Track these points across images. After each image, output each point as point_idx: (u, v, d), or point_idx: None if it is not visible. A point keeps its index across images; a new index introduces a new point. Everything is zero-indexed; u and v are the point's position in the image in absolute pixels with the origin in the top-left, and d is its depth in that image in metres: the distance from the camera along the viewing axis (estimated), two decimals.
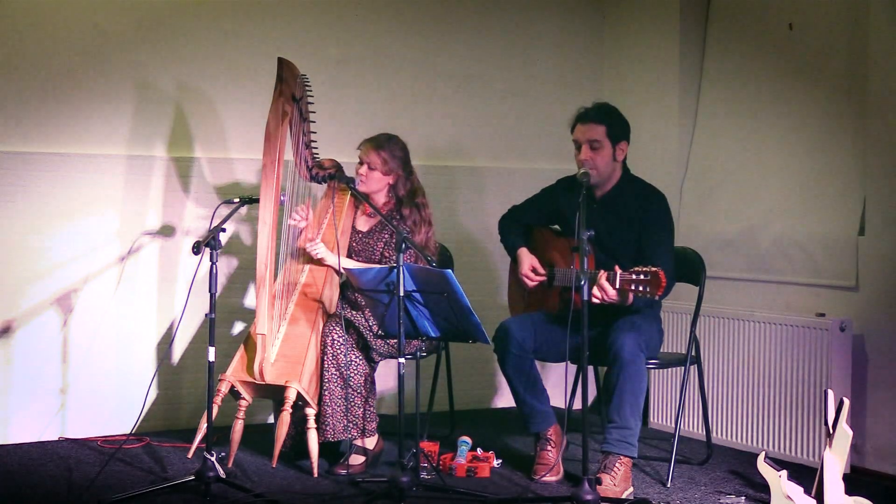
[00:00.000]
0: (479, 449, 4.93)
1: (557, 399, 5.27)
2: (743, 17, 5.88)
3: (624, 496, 4.45)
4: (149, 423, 5.43)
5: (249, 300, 5.74)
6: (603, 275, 4.36)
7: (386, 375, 5.53)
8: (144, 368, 5.53)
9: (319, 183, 5.03)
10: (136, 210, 5.53)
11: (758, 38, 5.76)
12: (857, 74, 5.19)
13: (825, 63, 5.38)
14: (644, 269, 4.25)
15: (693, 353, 4.97)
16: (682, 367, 4.94)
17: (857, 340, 5.03)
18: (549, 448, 4.75)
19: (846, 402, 4.13)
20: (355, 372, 4.76)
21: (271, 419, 5.32)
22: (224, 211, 4.78)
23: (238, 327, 5.74)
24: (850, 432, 4.10)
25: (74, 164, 5.41)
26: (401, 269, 4.28)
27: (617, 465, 4.49)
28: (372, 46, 6.04)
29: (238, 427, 4.73)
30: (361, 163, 5.01)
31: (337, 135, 5.52)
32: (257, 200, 4.72)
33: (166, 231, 5.60)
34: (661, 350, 4.95)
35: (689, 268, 5.03)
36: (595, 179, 4.72)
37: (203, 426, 4.58)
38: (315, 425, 4.68)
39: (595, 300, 4.35)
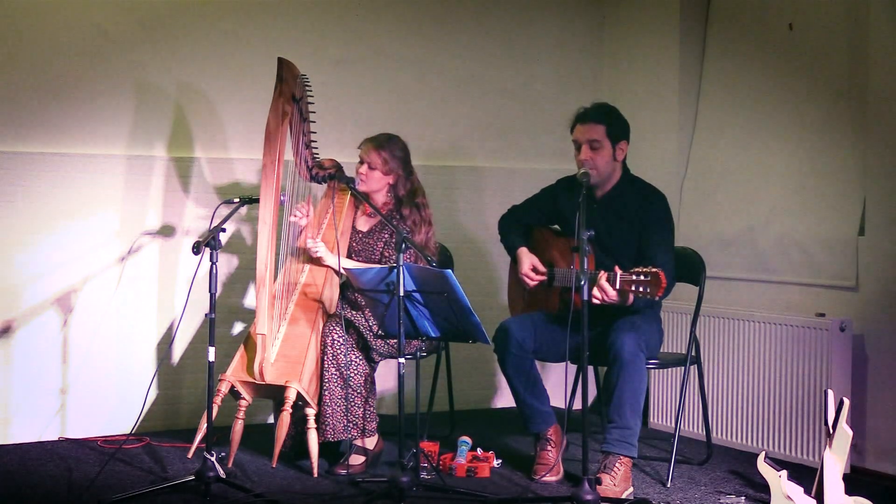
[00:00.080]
0: (479, 449, 4.93)
1: (557, 399, 5.27)
2: (743, 17, 5.88)
3: (624, 496, 4.45)
4: (149, 423, 5.42)
5: (249, 300, 5.74)
6: (603, 275, 4.36)
7: (386, 375, 5.54)
8: (144, 368, 5.53)
9: (319, 183, 5.03)
10: (136, 210, 5.53)
11: (758, 38, 5.76)
12: (857, 74, 5.19)
13: (825, 63, 5.38)
14: (644, 269, 4.25)
15: (693, 353, 4.97)
16: (682, 367, 4.94)
17: (857, 340, 5.03)
18: (549, 448, 4.75)
19: (846, 402, 4.13)
20: (355, 372, 4.76)
21: (271, 419, 5.32)
22: (224, 211, 4.78)
23: (238, 327, 5.74)
24: (850, 432, 4.10)
25: (74, 164, 5.41)
26: (401, 269, 4.28)
27: (617, 465, 4.49)
28: (372, 46, 6.04)
29: (238, 427, 4.73)
30: (362, 162, 5.02)
31: (337, 135, 5.53)
32: (257, 200, 4.72)
33: (166, 231, 5.60)
34: (661, 350, 4.95)
35: (689, 268, 5.03)
36: (595, 179, 4.72)
37: (203, 426, 4.58)
38: (315, 425, 4.68)
39: (595, 301, 4.35)
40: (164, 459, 4.94)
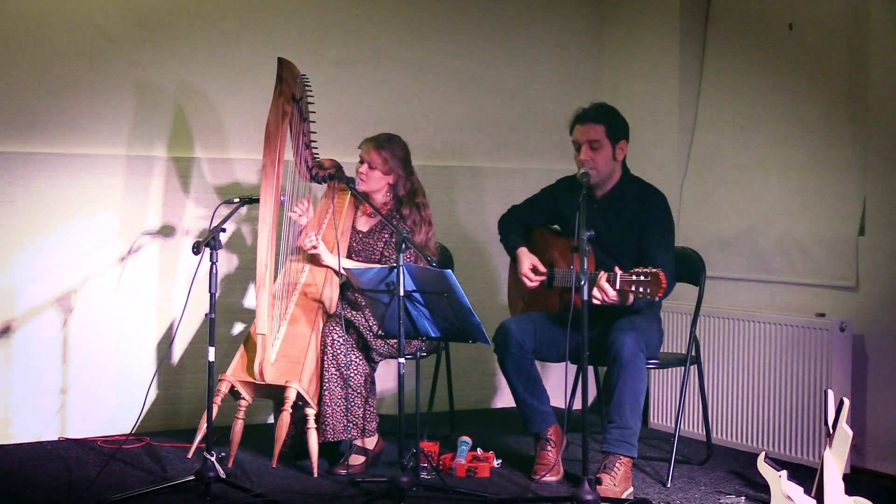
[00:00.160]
0: (479, 449, 4.93)
1: (557, 399, 5.27)
2: (743, 17, 5.88)
3: (624, 496, 4.45)
4: (149, 423, 5.42)
5: (249, 300, 5.74)
6: (603, 276, 4.36)
7: (386, 375, 5.54)
8: (144, 368, 5.53)
9: (319, 183, 5.03)
10: (136, 210, 5.53)
11: (758, 38, 5.76)
12: (857, 74, 5.19)
13: (825, 63, 5.38)
14: (644, 270, 4.26)
15: (693, 353, 4.97)
16: (682, 367, 4.94)
17: (857, 340, 5.03)
18: (549, 448, 4.75)
19: (846, 402, 4.13)
20: (355, 372, 4.76)
21: (271, 419, 5.32)
22: (224, 211, 4.78)
23: (238, 327, 5.74)
24: (850, 432, 4.10)
25: (74, 164, 5.41)
26: (401, 269, 4.28)
27: (617, 465, 4.49)
28: (372, 46, 6.04)
29: (238, 427, 4.73)
30: (362, 162, 5.02)
31: (337, 135, 5.52)
32: (257, 200, 4.72)
33: (166, 231, 5.60)
34: (661, 350, 4.95)
35: (689, 268, 5.03)
36: (595, 179, 4.72)
37: (203, 426, 4.58)
38: (315, 425, 4.68)
39: (595, 301, 4.35)
40: (164, 459, 4.94)
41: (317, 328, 4.83)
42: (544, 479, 4.67)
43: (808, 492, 4.16)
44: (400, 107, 6.08)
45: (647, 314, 4.74)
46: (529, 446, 5.00)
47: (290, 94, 4.72)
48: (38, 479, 4.60)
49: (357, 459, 4.80)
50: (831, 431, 4.13)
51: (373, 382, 4.87)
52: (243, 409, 4.75)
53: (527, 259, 4.90)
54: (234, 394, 4.75)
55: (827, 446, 4.13)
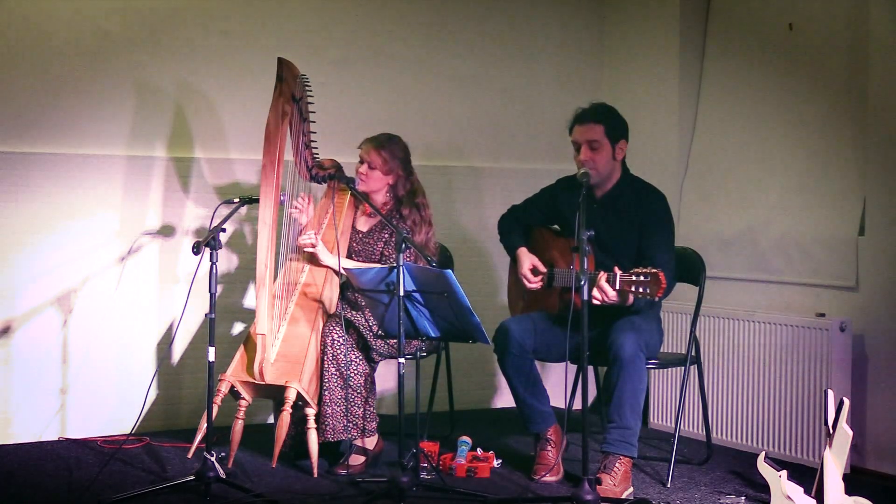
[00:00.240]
0: (479, 449, 4.93)
1: (557, 399, 5.27)
2: (743, 17, 5.88)
3: (624, 496, 4.45)
4: (149, 423, 5.42)
5: (249, 300, 5.74)
6: (603, 276, 4.36)
7: (386, 375, 5.54)
8: (144, 368, 5.53)
9: (319, 183, 5.03)
10: (135, 210, 5.54)
11: (758, 38, 5.76)
12: (857, 74, 5.19)
13: (825, 63, 5.38)
14: (644, 270, 4.25)
15: (693, 353, 4.97)
16: (682, 367, 4.94)
17: (857, 340, 5.03)
18: (549, 448, 4.75)
19: (846, 402, 4.13)
20: (355, 372, 4.76)
21: (271, 419, 5.31)
22: (224, 211, 4.78)
23: (238, 327, 5.74)
24: (850, 432, 4.10)
25: (74, 164, 5.41)
26: (401, 268, 4.28)
27: (617, 465, 4.49)
28: (372, 46, 6.04)
29: (238, 427, 4.73)
30: (362, 162, 5.02)
31: (337, 135, 5.52)
32: (257, 200, 4.72)
33: (166, 231, 5.60)
34: (661, 350, 4.95)
35: (689, 268, 5.03)
36: (595, 179, 4.72)
37: (203, 426, 4.58)
38: (315, 425, 4.68)
39: (595, 301, 4.35)
40: (164, 459, 4.94)
41: (317, 328, 4.83)
42: (544, 479, 4.67)
43: (808, 492, 4.16)
44: (400, 107, 6.08)
45: (647, 314, 4.74)
46: (529, 446, 5.00)
47: (290, 94, 4.72)
48: (38, 479, 4.60)
49: (357, 459, 4.80)
50: (831, 431, 4.13)
51: (373, 382, 4.87)
52: (243, 409, 4.75)
53: (527, 259, 4.90)
54: (234, 394, 4.75)
55: (827, 446, 4.13)
